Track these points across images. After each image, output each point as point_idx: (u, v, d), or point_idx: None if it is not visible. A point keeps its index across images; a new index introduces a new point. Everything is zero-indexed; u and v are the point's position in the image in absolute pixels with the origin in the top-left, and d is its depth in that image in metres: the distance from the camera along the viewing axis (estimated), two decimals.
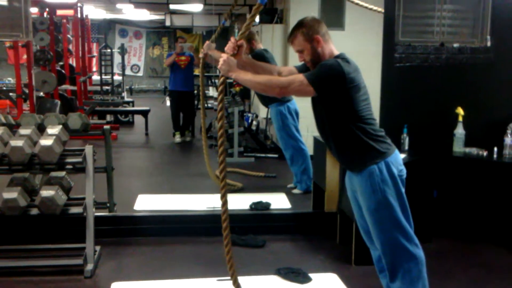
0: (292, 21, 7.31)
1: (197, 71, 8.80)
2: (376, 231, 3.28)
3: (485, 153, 4.88)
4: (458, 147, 4.98)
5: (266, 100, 6.42)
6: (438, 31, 5.20)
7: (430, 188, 4.87)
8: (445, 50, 5.08)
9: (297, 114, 6.31)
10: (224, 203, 3.32)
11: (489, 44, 5.16)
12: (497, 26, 5.16)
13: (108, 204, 5.10)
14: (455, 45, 5.12)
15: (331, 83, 3.06)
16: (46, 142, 4.20)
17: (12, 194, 4.15)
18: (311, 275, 4.15)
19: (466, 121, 4.93)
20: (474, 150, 4.94)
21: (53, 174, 4.41)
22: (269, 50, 6.53)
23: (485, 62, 5.12)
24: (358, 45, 7.42)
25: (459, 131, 4.96)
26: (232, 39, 3.21)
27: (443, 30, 5.20)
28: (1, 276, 4.09)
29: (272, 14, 8.65)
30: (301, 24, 3.21)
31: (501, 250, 4.73)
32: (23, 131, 4.37)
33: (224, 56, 3.15)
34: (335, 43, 3.24)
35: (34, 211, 4.25)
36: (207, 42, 6.40)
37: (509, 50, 5.19)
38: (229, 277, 4.06)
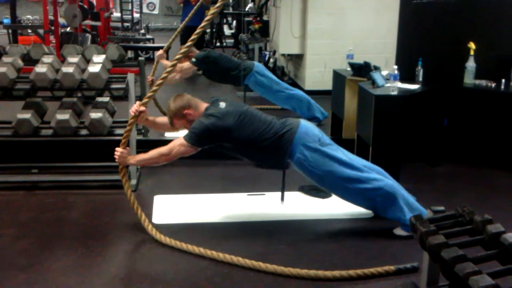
0: None
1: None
2: (338, 193, 3.79)
3: (493, 85, 5.18)
4: (469, 79, 5.27)
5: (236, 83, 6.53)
6: None
7: (441, 117, 5.25)
8: None
9: (265, 71, 6.46)
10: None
11: None
12: None
13: (143, 130, 5.56)
14: None
15: (206, 139, 3.56)
16: (94, 69, 4.58)
17: (64, 115, 4.58)
18: None
19: (477, 55, 5.21)
20: (483, 82, 5.24)
21: (99, 99, 4.81)
22: (210, 50, 6.46)
23: (497, 0, 5.39)
24: None
25: (470, 64, 5.25)
26: (136, 104, 3.73)
27: None
28: (55, 189, 4.60)
29: None
30: (170, 111, 3.70)
31: (505, 173, 5.11)
32: (71, 59, 4.75)
33: (118, 151, 3.67)
34: None
35: (84, 132, 4.69)
36: (160, 51, 6.41)
37: None
38: (259, 192, 4.57)
